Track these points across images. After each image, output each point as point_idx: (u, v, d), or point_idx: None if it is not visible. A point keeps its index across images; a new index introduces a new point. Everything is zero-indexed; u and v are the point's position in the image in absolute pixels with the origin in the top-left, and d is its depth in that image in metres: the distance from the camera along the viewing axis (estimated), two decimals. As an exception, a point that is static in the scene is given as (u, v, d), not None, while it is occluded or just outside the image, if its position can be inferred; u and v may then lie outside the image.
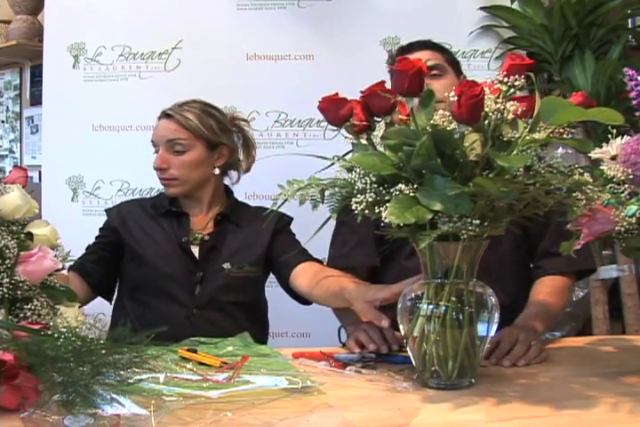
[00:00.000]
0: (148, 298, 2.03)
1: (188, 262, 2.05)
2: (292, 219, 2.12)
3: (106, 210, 2.18)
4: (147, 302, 2.02)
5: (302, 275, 2.00)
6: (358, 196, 1.31)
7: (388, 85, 1.42)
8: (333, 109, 1.43)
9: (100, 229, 2.15)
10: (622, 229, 1.32)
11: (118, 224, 2.11)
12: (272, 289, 2.19)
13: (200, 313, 2.01)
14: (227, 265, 2.04)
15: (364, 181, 1.32)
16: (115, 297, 2.14)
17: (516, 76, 1.33)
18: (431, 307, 1.38)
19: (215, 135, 2.07)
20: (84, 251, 2.08)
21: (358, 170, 1.34)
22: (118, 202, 2.27)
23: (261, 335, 2.07)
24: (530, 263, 1.99)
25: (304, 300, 2.06)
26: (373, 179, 1.32)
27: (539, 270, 1.95)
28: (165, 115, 2.07)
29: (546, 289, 1.89)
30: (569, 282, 1.96)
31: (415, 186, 1.29)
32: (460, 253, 1.36)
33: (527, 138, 1.29)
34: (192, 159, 2.04)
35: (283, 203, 1.43)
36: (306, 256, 2.05)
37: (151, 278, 2.03)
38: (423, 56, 2.03)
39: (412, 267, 1.97)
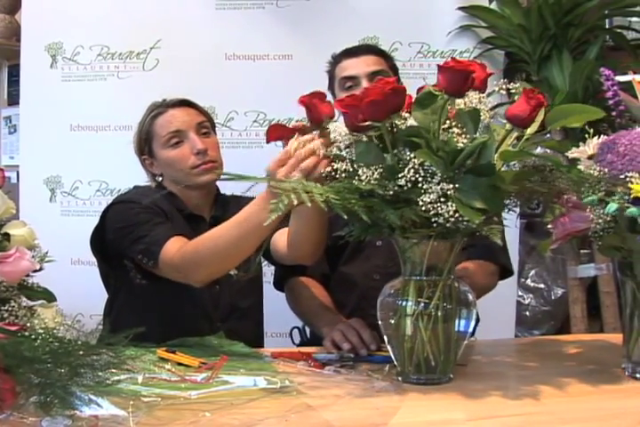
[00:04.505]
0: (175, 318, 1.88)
1: None
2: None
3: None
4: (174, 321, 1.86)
5: (282, 236, 1.78)
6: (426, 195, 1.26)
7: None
8: (316, 106, 1.38)
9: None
10: (599, 227, 1.33)
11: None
12: (267, 288, 2.17)
13: (223, 326, 1.88)
14: (233, 271, 1.91)
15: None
16: (111, 304, 2.01)
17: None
18: (411, 304, 1.38)
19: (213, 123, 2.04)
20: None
21: (411, 164, 1.28)
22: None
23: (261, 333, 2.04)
24: None
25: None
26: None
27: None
28: (179, 103, 1.98)
29: (471, 264, 1.89)
30: (493, 267, 1.97)
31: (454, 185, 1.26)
32: (442, 250, 1.37)
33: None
34: (217, 141, 1.99)
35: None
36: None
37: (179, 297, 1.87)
38: (369, 61, 2.03)
39: (351, 272, 2.01)
